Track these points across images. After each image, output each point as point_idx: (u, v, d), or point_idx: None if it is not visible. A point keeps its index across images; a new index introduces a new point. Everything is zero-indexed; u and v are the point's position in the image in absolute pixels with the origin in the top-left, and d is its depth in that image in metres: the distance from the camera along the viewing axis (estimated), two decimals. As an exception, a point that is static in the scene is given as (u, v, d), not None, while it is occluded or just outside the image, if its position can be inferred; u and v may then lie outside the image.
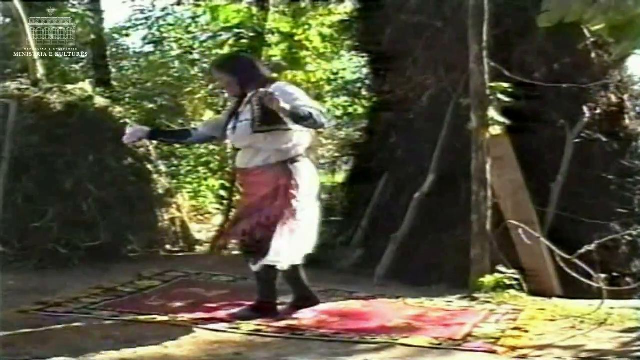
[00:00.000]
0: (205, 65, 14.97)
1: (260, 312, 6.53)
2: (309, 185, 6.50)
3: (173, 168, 13.03)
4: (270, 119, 6.29)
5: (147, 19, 17.22)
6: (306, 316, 6.56)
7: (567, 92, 8.95)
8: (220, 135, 6.88)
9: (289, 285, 6.78)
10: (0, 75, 10.85)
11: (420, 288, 8.20)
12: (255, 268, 6.49)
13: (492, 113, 8.10)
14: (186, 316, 6.46)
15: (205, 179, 14.18)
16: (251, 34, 12.96)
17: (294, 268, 6.60)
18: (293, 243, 6.39)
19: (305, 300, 6.79)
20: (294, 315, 6.55)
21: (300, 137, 6.47)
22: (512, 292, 7.67)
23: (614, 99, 9.39)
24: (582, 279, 7.43)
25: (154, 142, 9.92)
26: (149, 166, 10.28)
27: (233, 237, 6.73)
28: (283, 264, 6.45)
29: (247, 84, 6.52)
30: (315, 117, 6.21)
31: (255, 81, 6.48)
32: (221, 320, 6.40)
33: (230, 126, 6.56)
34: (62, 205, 9.16)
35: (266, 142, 6.36)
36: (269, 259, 6.34)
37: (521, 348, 5.71)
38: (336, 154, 16.82)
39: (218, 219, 12.45)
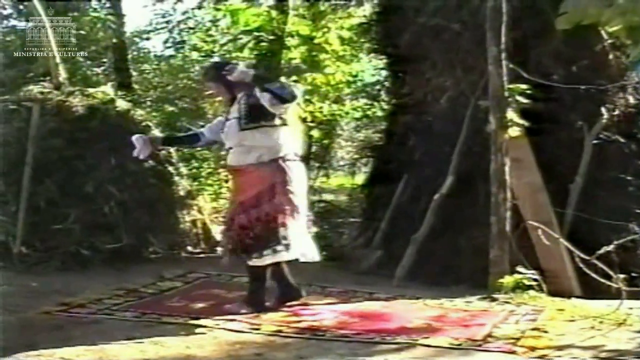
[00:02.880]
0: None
1: (252, 305, 6.73)
2: (301, 185, 6.76)
3: (194, 170, 13.07)
4: (256, 116, 6.60)
5: (167, 22, 17.31)
6: (326, 317, 6.62)
7: (585, 94, 8.96)
8: (219, 139, 7.10)
9: (273, 281, 6.99)
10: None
11: (439, 289, 8.22)
12: (253, 263, 6.69)
13: (511, 115, 8.13)
14: (207, 317, 6.50)
15: (226, 181, 14.21)
16: (271, 37, 13.02)
17: (278, 264, 6.81)
18: (307, 236, 6.75)
19: (290, 294, 6.99)
20: (314, 317, 6.62)
21: (287, 135, 6.72)
22: (532, 292, 7.68)
23: (631, 100, 9.39)
24: (601, 280, 7.44)
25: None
26: (170, 168, 10.32)
27: (234, 235, 6.79)
28: (308, 258, 6.71)
29: (235, 87, 6.76)
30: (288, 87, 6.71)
31: (241, 83, 6.67)
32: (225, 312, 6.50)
33: (223, 128, 6.90)
34: (84, 208, 9.23)
35: (255, 139, 6.64)
36: (293, 254, 6.61)
37: (541, 348, 5.73)
38: (355, 156, 16.86)
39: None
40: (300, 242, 6.66)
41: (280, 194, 6.56)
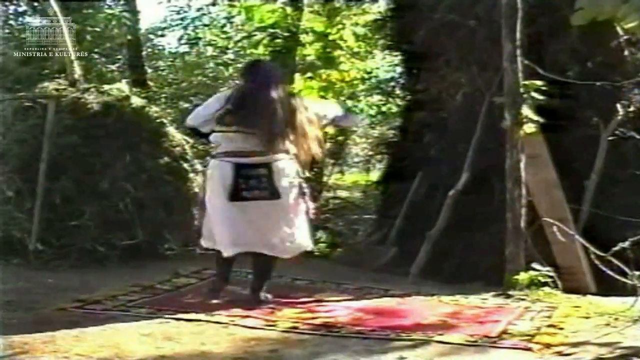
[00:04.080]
0: (240, 65, 15.04)
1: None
2: (217, 182, 6.83)
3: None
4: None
5: (182, 19, 17.36)
6: (341, 313, 6.62)
7: (600, 90, 8.89)
8: None
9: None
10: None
11: (454, 286, 8.21)
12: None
13: (526, 111, 8.09)
14: (223, 313, 6.51)
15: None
16: (285, 34, 13.03)
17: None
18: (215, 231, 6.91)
19: None
20: (330, 313, 6.62)
21: (217, 135, 6.95)
22: (547, 289, 7.65)
23: (647, 96, 9.37)
24: (617, 277, 7.40)
25: (191, 140, 10.14)
26: (185, 165, 10.30)
27: None
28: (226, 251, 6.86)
29: None
30: None
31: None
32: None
33: None
34: (100, 205, 9.25)
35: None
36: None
37: (556, 345, 5.70)
38: (370, 153, 16.87)
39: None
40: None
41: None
